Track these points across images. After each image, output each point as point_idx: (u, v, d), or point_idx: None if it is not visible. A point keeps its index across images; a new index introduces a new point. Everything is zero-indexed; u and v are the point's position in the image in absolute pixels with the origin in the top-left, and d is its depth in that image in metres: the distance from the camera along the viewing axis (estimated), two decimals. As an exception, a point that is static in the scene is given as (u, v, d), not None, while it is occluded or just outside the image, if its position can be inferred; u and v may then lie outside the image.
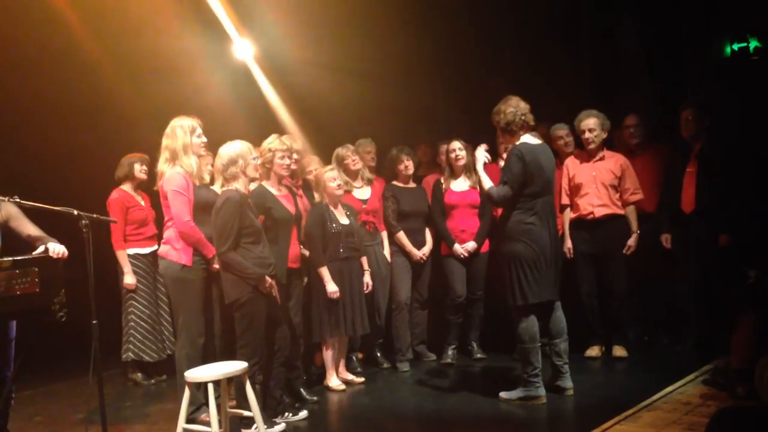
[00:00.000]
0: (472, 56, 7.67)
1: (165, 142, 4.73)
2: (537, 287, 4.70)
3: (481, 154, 5.01)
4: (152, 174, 4.96)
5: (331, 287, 5.27)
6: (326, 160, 5.80)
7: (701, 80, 6.68)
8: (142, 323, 5.89)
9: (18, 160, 6.40)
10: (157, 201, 5.06)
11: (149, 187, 5.37)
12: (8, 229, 3.98)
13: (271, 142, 5.00)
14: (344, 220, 5.42)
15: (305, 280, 5.30)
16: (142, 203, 5.97)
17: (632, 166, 5.82)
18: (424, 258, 6.05)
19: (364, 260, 5.65)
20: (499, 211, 5.12)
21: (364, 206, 5.85)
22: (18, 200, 3.86)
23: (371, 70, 7.38)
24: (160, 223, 5.98)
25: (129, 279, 5.83)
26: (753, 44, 6.48)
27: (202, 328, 4.73)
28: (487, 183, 4.89)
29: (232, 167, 4.46)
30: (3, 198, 3.86)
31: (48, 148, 6.63)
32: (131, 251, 5.86)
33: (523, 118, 4.77)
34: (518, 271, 4.70)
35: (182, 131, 4.69)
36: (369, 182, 6.02)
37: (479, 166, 5.00)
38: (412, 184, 6.14)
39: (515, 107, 4.77)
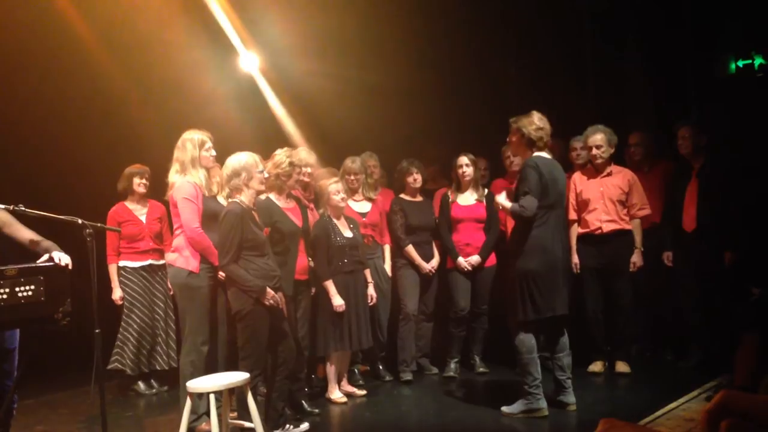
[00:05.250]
0: (477, 71, 7.70)
1: (176, 154, 4.85)
2: (548, 301, 4.69)
3: (502, 199, 4.96)
4: (162, 184, 5.00)
5: (337, 301, 5.27)
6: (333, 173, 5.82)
7: (704, 97, 6.70)
8: (129, 336, 5.91)
9: (26, 169, 6.44)
10: (168, 212, 5.09)
11: (161, 197, 5.42)
12: (3, 236, 3.96)
13: (291, 155, 5.02)
14: (348, 233, 5.43)
15: (312, 291, 5.30)
16: (142, 218, 5.99)
17: (642, 183, 5.84)
18: (433, 271, 6.05)
19: (368, 272, 5.65)
20: (510, 225, 5.12)
21: (363, 219, 5.85)
22: (23, 208, 3.86)
23: (377, 82, 7.40)
24: (165, 235, 6.04)
25: (116, 294, 5.90)
26: (758, 61, 6.49)
27: (207, 335, 4.76)
28: (509, 204, 4.78)
29: (235, 179, 4.47)
30: (6, 207, 3.86)
31: (56, 158, 6.66)
32: (121, 263, 5.92)
33: (548, 138, 4.81)
34: (530, 285, 4.69)
35: (192, 145, 4.80)
36: (369, 200, 6.00)
37: (501, 198, 4.92)
38: (419, 198, 6.14)
39: (541, 126, 4.78)
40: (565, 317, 4.87)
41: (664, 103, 6.89)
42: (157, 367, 5.98)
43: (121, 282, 5.92)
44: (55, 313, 3.73)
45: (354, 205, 5.89)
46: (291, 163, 5.02)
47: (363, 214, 5.89)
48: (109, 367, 5.89)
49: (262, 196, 4.90)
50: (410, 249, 5.99)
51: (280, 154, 5.04)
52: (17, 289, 3.61)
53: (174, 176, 4.81)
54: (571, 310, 5.03)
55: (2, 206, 3.86)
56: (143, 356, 5.95)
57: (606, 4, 7.27)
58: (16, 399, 4.14)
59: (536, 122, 4.79)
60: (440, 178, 6.81)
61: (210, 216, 4.75)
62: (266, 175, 4.68)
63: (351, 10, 7.20)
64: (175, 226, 4.85)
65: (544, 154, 4.83)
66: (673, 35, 6.89)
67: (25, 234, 3.95)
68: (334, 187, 5.38)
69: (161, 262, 5.98)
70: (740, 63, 6.59)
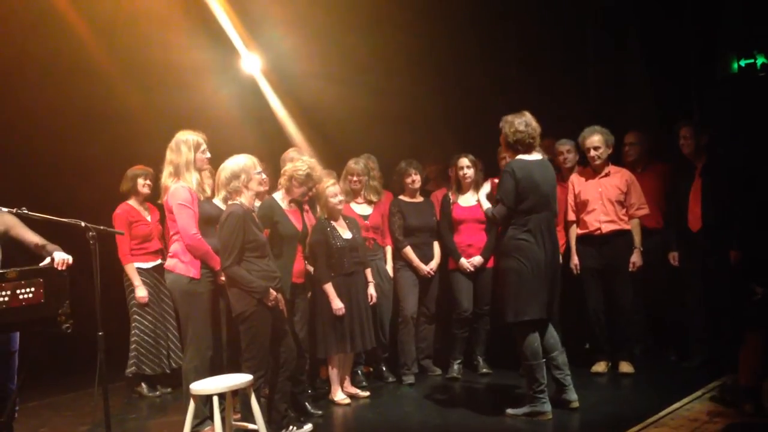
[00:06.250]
0: (478, 72, 7.70)
1: (169, 156, 4.75)
2: (528, 304, 4.68)
3: (487, 186, 5.11)
4: (157, 187, 4.98)
5: (337, 304, 5.25)
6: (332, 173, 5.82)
7: (706, 97, 6.69)
8: (145, 337, 5.88)
9: (27, 171, 6.45)
10: (164, 215, 5.08)
11: (156, 200, 5.42)
12: (9, 239, 3.97)
13: (313, 168, 5.00)
14: (347, 234, 5.41)
15: (308, 294, 5.29)
16: (148, 218, 5.97)
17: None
18: (432, 273, 6.03)
19: (368, 272, 5.64)
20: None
21: (365, 222, 5.84)
22: (26, 211, 3.87)
23: (378, 83, 7.41)
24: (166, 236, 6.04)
25: (141, 292, 5.81)
26: (760, 60, 6.49)
27: (211, 340, 4.74)
28: (486, 205, 4.99)
29: (234, 181, 4.47)
30: (10, 210, 3.87)
31: (57, 160, 6.67)
32: (134, 265, 5.88)
33: (531, 140, 4.76)
34: (510, 287, 4.70)
35: (186, 147, 4.72)
36: (370, 203, 5.99)
37: (481, 194, 5.06)
38: (419, 198, 6.13)
39: (527, 126, 4.73)
40: (549, 320, 4.85)
41: (666, 103, 6.88)
42: (174, 365, 5.93)
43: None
44: (56, 315, 3.74)
45: (355, 207, 5.89)
46: (309, 176, 5.00)
47: (365, 217, 5.88)
48: (128, 371, 5.87)
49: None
50: (408, 251, 5.99)
51: (303, 162, 5.02)
52: (18, 291, 3.62)
53: (167, 180, 4.73)
54: (573, 311, 5.03)
55: (5, 209, 3.86)
56: (163, 356, 5.93)
57: (607, 2, 7.27)
58: (17, 401, 4.14)
59: (516, 124, 4.74)
60: (440, 179, 6.79)
61: (206, 220, 4.72)
62: (264, 177, 4.68)
63: (352, 12, 7.20)
64: (171, 232, 4.79)
65: (530, 156, 4.79)
66: (675, 34, 6.88)
67: (30, 237, 3.97)
68: (331, 190, 5.35)
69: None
70: (742, 62, 6.58)
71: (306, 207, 5.41)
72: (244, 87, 7.94)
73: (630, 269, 5.71)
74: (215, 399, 4.08)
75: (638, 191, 5.75)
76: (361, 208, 5.93)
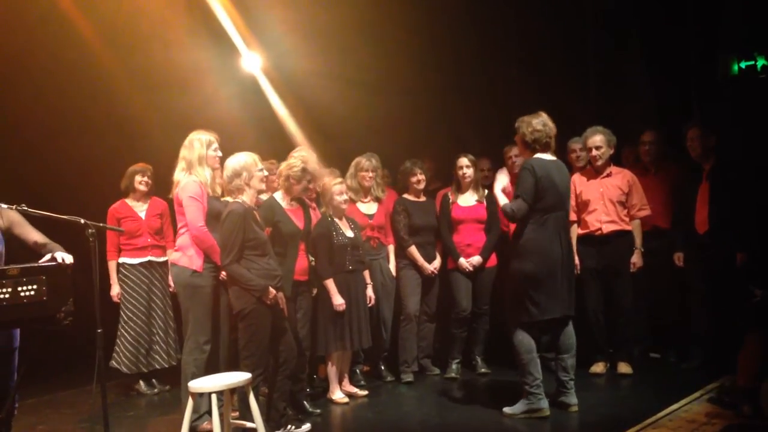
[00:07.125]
0: (479, 71, 7.70)
1: (182, 152, 4.86)
2: (547, 303, 4.69)
3: (502, 178, 5.09)
4: (165, 184, 5.01)
5: (338, 300, 5.27)
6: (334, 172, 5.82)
7: (706, 99, 6.69)
8: (125, 333, 5.92)
9: (29, 169, 6.45)
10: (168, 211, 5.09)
11: (164, 196, 5.45)
12: (11, 236, 3.97)
13: (307, 162, 4.99)
14: (349, 233, 5.44)
15: (314, 291, 5.29)
16: (141, 214, 5.99)
17: (647, 183, 5.85)
18: (435, 272, 6.04)
19: (367, 273, 5.65)
20: (512, 226, 5.13)
21: (369, 221, 5.86)
22: (25, 208, 3.87)
23: (379, 82, 7.42)
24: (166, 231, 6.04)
25: (114, 290, 5.91)
26: (760, 62, 6.48)
27: (210, 335, 4.77)
28: (502, 200, 4.97)
29: (236, 179, 4.48)
30: (9, 206, 3.86)
31: (59, 158, 6.68)
32: (120, 260, 5.93)
33: (548, 140, 4.79)
34: (527, 287, 4.69)
35: (199, 144, 4.83)
36: (377, 200, 6.01)
37: (497, 188, 5.07)
38: (422, 198, 6.14)
39: (544, 126, 4.77)
40: (569, 318, 4.86)
41: (666, 105, 6.88)
42: (156, 366, 5.96)
43: (119, 278, 5.93)
44: (58, 313, 3.72)
45: (361, 207, 5.90)
46: (304, 170, 5.01)
47: (370, 216, 5.89)
48: (110, 364, 5.91)
49: (263, 196, 4.92)
50: (413, 250, 5.99)
51: (296, 158, 5.04)
52: (19, 288, 3.61)
53: (179, 174, 4.82)
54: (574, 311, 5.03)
55: (5, 206, 3.86)
56: (141, 355, 5.93)
57: (608, 3, 7.27)
58: (16, 399, 4.13)
59: (534, 124, 4.78)
60: (433, 178, 6.78)
61: (214, 216, 4.75)
62: (266, 174, 4.69)
63: (353, 11, 7.20)
64: (179, 225, 4.85)
65: (546, 156, 4.83)
66: (676, 36, 6.88)
67: (33, 235, 3.95)
68: (338, 188, 5.38)
69: (161, 258, 6.00)
70: (743, 64, 6.58)
71: (313, 205, 5.42)
72: (245, 85, 7.94)
73: (630, 270, 5.72)
74: (214, 397, 4.08)
75: (640, 192, 5.76)
76: (368, 207, 5.94)
